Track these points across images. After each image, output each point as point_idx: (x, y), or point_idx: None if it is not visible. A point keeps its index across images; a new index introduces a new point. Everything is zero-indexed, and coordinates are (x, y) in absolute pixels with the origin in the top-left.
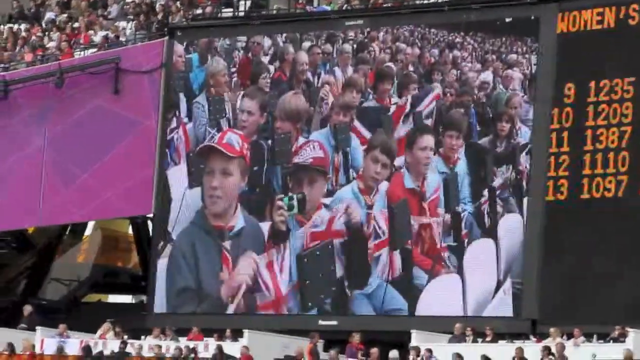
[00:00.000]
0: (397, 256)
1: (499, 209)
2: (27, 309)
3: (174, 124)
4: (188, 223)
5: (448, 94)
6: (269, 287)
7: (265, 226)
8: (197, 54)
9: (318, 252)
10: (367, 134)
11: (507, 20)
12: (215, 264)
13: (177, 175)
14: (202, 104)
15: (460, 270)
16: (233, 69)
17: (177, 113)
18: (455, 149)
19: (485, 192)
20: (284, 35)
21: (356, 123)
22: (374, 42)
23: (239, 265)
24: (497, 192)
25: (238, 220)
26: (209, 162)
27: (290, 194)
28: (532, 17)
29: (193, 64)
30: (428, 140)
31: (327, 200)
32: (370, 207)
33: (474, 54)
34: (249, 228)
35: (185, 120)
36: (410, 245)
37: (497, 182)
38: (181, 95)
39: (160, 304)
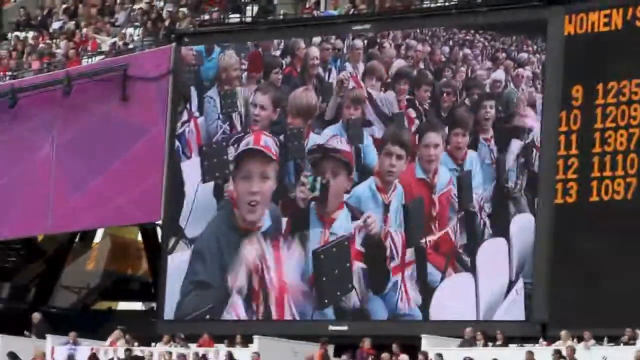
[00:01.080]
0: (411, 253)
1: (511, 208)
2: (36, 316)
3: (184, 117)
4: (211, 220)
5: (457, 91)
6: (277, 281)
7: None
8: (204, 47)
9: (334, 249)
10: (380, 129)
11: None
12: (236, 261)
13: (189, 169)
14: (214, 97)
15: (473, 270)
16: (244, 63)
17: (188, 106)
18: (461, 147)
19: (497, 192)
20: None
21: (369, 117)
22: (385, 38)
23: (258, 260)
24: (509, 192)
25: (265, 219)
26: (246, 166)
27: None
28: (540, 19)
29: (203, 56)
30: (435, 137)
31: (346, 197)
32: (387, 207)
33: (484, 52)
34: (274, 225)
35: (197, 114)
36: (424, 244)
37: (509, 181)
38: (192, 89)
39: (169, 311)
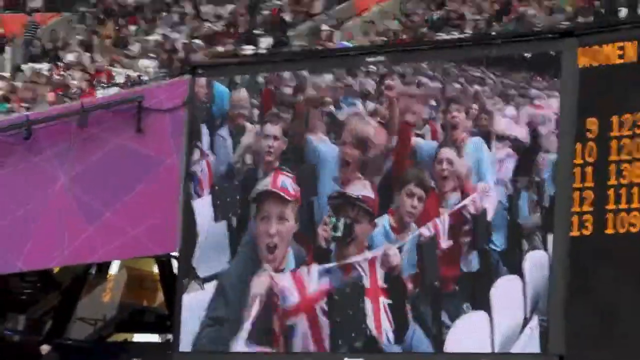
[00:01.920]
0: (425, 295)
1: (525, 245)
2: (44, 348)
3: (196, 156)
4: (227, 264)
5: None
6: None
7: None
8: (214, 82)
9: (348, 289)
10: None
11: (527, 55)
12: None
13: (201, 208)
14: (224, 136)
15: (487, 308)
16: (255, 100)
17: (199, 144)
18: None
19: (511, 229)
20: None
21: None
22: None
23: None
24: (522, 229)
25: (288, 262)
26: (265, 207)
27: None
28: (553, 53)
29: (215, 94)
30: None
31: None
32: (400, 249)
33: (495, 89)
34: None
35: (208, 152)
36: (438, 284)
37: (522, 219)
38: (203, 127)
39: (186, 342)
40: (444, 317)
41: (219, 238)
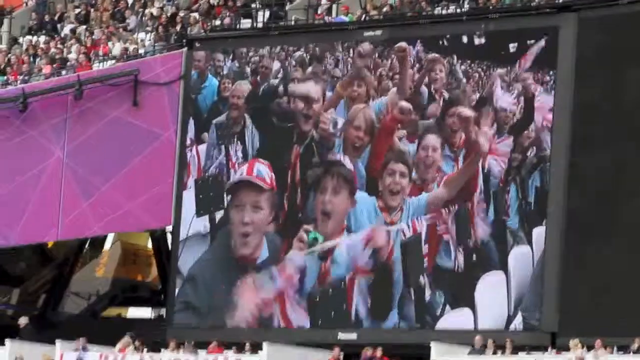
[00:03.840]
0: (412, 293)
1: (509, 240)
2: (22, 321)
3: (187, 143)
4: (203, 254)
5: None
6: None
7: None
8: (197, 72)
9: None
10: None
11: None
12: (232, 297)
13: (187, 200)
14: (211, 128)
15: (472, 305)
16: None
17: (190, 134)
18: None
19: (496, 224)
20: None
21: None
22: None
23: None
24: (507, 224)
25: (262, 251)
26: (240, 196)
27: (317, 231)
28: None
29: (201, 85)
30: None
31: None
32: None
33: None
34: (271, 258)
35: (196, 143)
36: (424, 282)
37: (509, 213)
38: (190, 118)
39: (179, 317)
40: None
41: (201, 234)
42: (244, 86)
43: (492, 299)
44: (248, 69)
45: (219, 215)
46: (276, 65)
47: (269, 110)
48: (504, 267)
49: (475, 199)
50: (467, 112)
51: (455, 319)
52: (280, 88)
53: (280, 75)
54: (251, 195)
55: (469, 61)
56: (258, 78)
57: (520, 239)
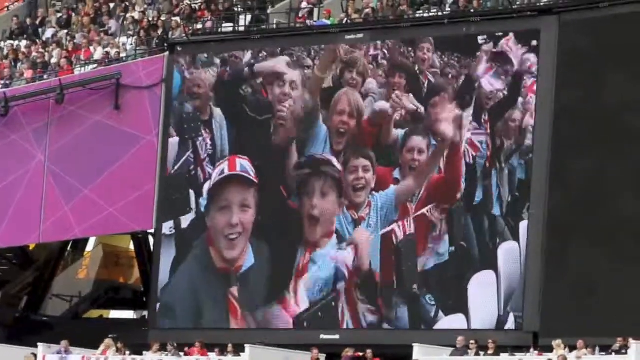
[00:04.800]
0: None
1: (497, 238)
2: None
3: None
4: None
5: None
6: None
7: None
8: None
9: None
10: None
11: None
12: (220, 313)
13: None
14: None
15: (465, 308)
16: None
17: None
18: None
19: (485, 220)
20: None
21: None
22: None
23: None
24: (496, 219)
25: (247, 258)
26: (225, 195)
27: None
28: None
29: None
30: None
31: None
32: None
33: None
34: (258, 266)
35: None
36: (417, 289)
37: (495, 209)
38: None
39: (162, 319)
40: None
41: (166, 243)
42: (208, 74)
43: (484, 301)
44: (217, 60)
45: (186, 220)
46: (247, 56)
47: (239, 98)
48: (493, 266)
49: (458, 196)
50: (445, 103)
51: (448, 322)
52: (246, 70)
53: (250, 61)
54: (238, 193)
55: (448, 53)
56: (228, 68)
57: (507, 235)
